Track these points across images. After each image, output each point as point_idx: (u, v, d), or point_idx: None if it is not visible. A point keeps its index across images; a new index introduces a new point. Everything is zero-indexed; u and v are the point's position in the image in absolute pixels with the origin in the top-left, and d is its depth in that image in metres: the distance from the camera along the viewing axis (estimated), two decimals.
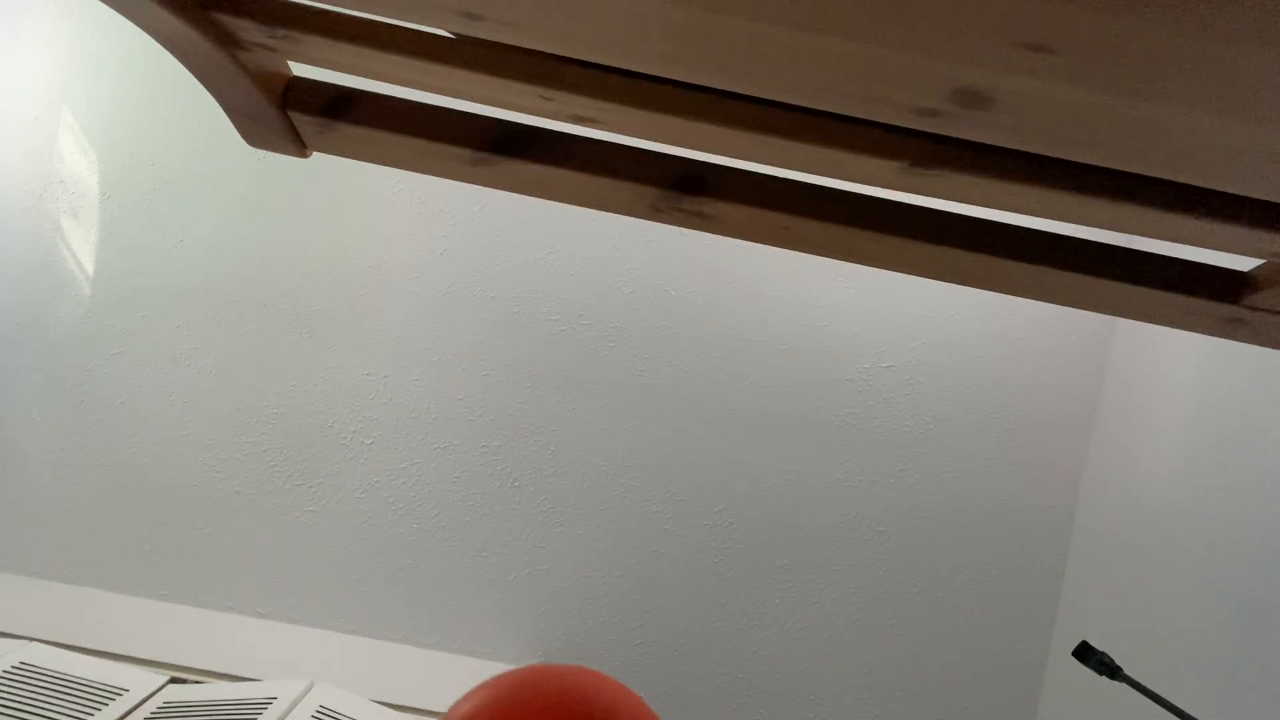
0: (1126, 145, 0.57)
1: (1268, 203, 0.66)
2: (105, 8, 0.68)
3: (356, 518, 2.12)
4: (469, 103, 0.78)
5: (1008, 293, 0.87)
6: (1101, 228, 0.75)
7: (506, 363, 2.11)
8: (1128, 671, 1.24)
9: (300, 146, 0.87)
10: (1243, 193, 0.62)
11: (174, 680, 1.74)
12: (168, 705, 1.64)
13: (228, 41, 0.72)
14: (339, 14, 0.70)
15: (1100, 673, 1.25)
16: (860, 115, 0.64)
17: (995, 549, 2.11)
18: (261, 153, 0.91)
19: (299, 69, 0.80)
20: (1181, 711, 1.15)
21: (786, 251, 0.89)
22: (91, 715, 1.60)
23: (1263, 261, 0.77)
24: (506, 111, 0.80)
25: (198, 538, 2.12)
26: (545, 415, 2.11)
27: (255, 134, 0.86)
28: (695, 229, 0.86)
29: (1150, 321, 0.87)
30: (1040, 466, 2.10)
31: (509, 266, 2.11)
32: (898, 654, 2.12)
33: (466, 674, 1.93)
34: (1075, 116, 0.54)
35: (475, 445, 2.12)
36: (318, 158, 0.90)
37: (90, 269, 2.12)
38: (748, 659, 2.14)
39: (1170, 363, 1.82)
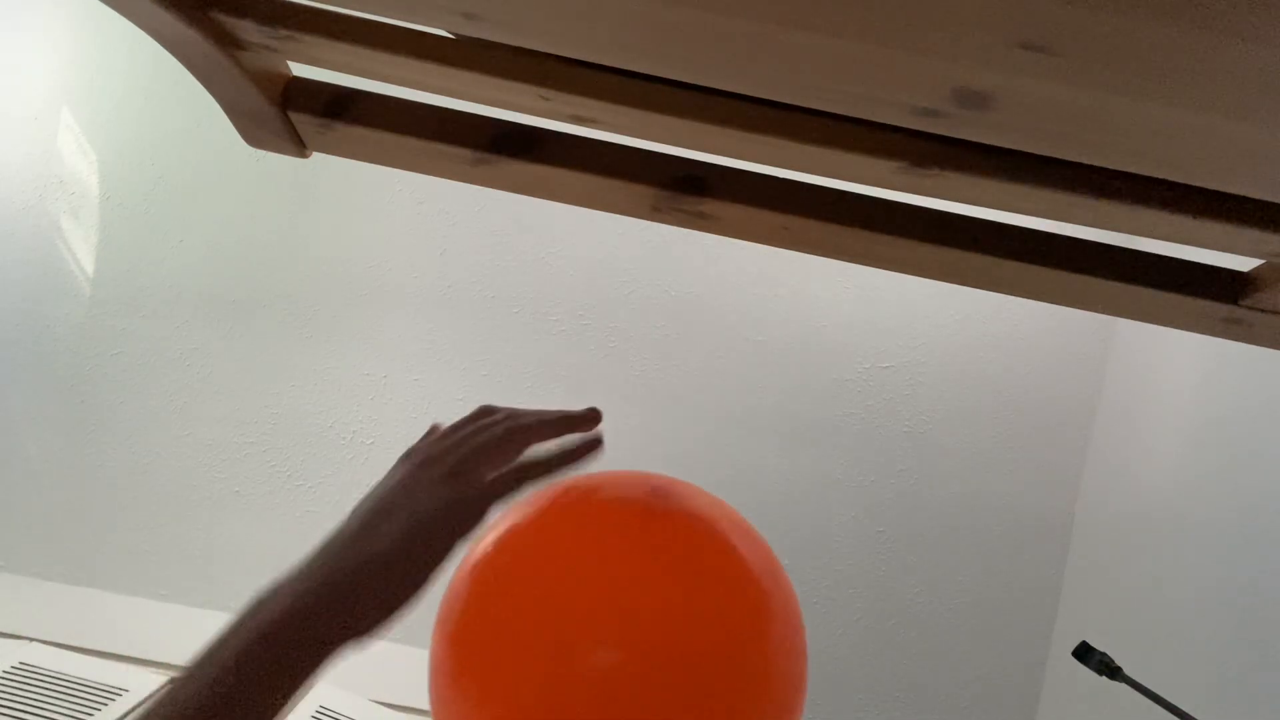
0: (1126, 145, 0.57)
1: (1268, 203, 0.66)
2: (106, 8, 0.68)
3: None
4: (469, 103, 0.78)
5: (1008, 293, 0.87)
6: (1101, 228, 0.75)
7: (506, 363, 2.11)
8: (1128, 671, 1.24)
9: (300, 146, 0.87)
10: (1243, 193, 0.62)
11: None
12: None
13: (228, 41, 0.73)
14: (339, 14, 0.70)
15: (1100, 673, 1.25)
16: (860, 115, 0.64)
17: (995, 549, 2.10)
18: (261, 153, 0.92)
19: (299, 69, 0.80)
20: (1181, 711, 1.15)
21: (786, 251, 0.89)
22: (91, 715, 1.60)
23: (1263, 261, 0.77)
24: (506, 111, 0.80)
25: (198, 538, 2.12)
26: None
27: (255, 134, 0.86)
28: (695, 229, 0.86)
29: (1150, 321, 0.87)
30: (1040, 466, 2.10)
31: (509, 266, 2.11)
32: (898, 654, 2.12)
33: None
34: (1075, 116, 0.54)
35: None
36: (318, 158, 0.90)
37: (90, 269, 2.12)
38: None
39: (1170, 363, 1.82)
